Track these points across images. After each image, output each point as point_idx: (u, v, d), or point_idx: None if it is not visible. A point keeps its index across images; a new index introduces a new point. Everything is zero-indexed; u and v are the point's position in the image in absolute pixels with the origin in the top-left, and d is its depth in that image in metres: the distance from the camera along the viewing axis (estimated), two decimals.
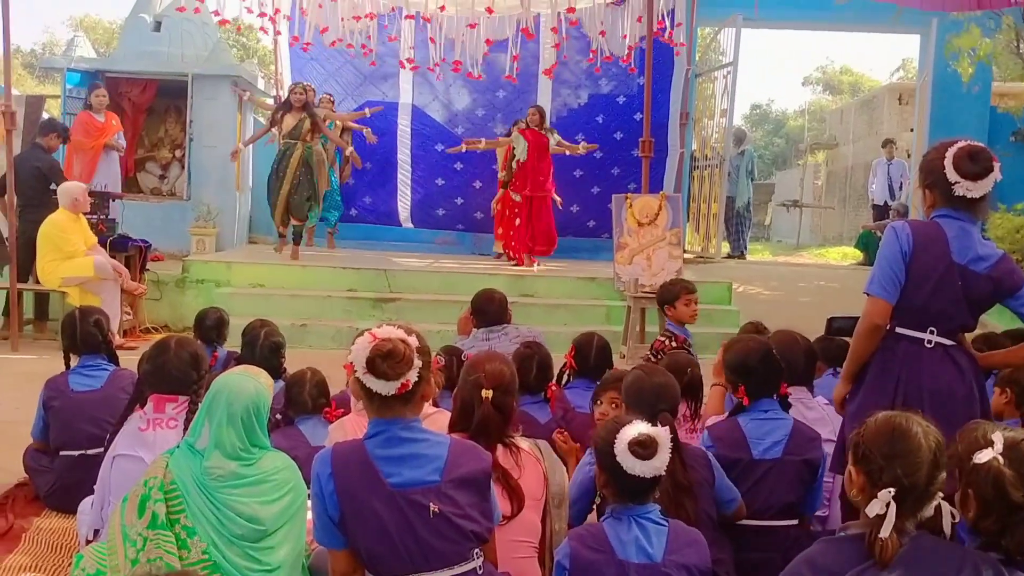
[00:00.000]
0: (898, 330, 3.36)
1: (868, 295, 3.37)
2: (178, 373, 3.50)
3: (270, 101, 11.52)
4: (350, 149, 10.62)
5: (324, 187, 10.16)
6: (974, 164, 3.25)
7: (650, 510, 2.67)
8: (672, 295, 5.51)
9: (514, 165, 10.07)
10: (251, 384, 2.92)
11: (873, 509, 2.22)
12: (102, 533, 3.28)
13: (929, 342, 3.31)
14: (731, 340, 3.95)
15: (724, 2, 11.61)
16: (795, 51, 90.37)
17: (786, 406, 3.62)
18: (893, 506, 2.19)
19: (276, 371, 4.54)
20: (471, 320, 5.31)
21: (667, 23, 9.58)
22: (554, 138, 10.13)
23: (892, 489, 2.20)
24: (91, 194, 8.29)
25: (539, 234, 10.07)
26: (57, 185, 8.04)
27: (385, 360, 2.51)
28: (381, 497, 2.51)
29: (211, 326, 5.32)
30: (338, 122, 10.86)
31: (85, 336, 4.49)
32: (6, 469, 4.72)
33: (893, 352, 3.36)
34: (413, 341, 2.58)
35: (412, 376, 2.54)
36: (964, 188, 3.26)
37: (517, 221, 10.14)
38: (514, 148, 10.07)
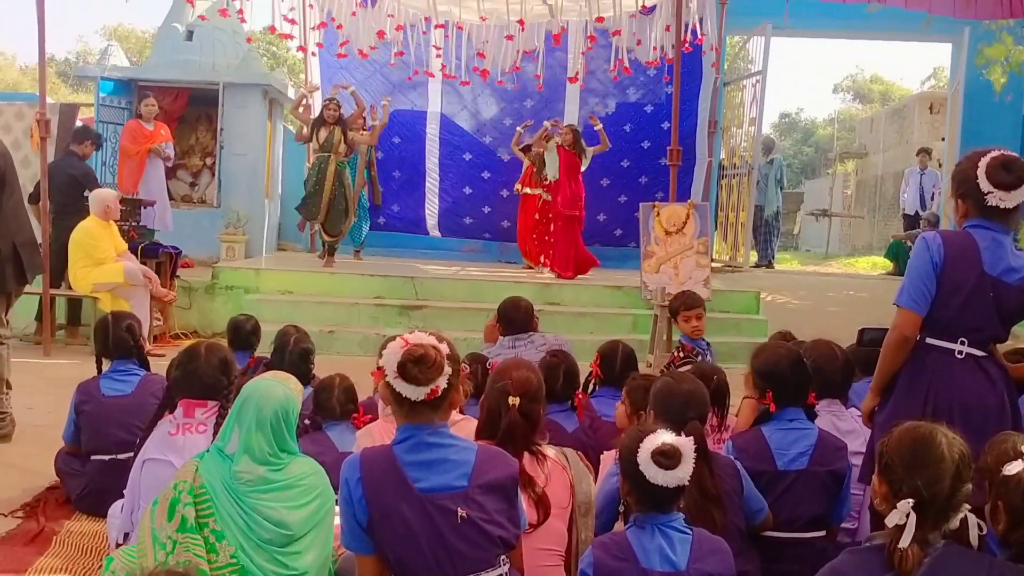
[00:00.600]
0: (928, 341, 3.33)
1: (898, 307, 3.34)
2: (208, 379, 3.54)
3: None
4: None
5: (354, 206, 10.24)
6: (1008, 174, 3.21)
7: (674, 518, 2.65)
8: (672, 310, 5.46)
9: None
10: (280, 389, 2.94)
11: (892, 519, 2.21)
12: (132, 536, 3.31)
13: (960, 353, 3.28)
14: (761, 346, 3.91)
15: (753, 11, 11.57)
16: (825, 59, 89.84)
17: (812, 416, 3.57)
18: (913, 516, 2.18)
19: (305, 377, 4.57)
20: (497, 328, 5.32)
21: (695, 33, 9.56)
22: (586, 162, 10.14)
23: (911, 500, 2.19)
24: (123, 201, 8.40)
25: (570, 259, 10.08)
26: (91, 192, 8.16)
27: (416, 365, 2.52)
28: (409, 502, 2.52)
29: (251, 331, 5.36)
30: (362, 146, 10.84)
31: (117, 341, 4.54)
32: (38, 472, 4.77)
33: (923, 363, 3.33)
34: (444, 348, 2.59)
35: (442, 383, 2.55)
36: (997, 198, 3.23)
37: (543, 223, 10.28)
38: (545, 159, 10.11)
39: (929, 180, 14.22)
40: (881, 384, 3.43)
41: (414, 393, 2.53)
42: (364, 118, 10.96)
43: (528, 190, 10.76)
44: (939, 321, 3.30)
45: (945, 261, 3.26)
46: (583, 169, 10.12)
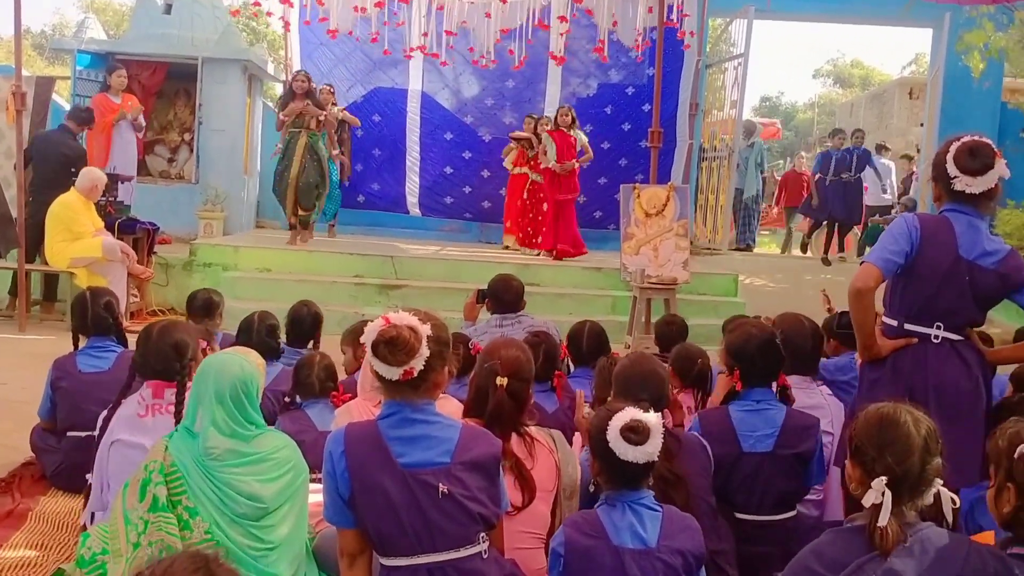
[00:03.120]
0: (906, 327, 3.37)
1: (862, 263, 3.40)
2: (157, 362, 3.46)
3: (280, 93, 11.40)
4: (336, 152, 10.61)
5: (327, 179, 10.13)
6: (973, 160, 3.27)
7: (644, 496, 2.67)
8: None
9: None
10: (237, 362, 2.93)
11: (869, 499, 2.23)
12: (100, 516, 3.29)
13: (936, 337, 3.32)
14: (735, 322, 3.89)
15: None
16: (806, 43, 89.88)
17: (786, 398, 3.55)
18: (888, 494, 2.20)
19: (275, 352, 4.63)
20: (481, 304, 5.30)
21: (676, 15, 9.56)
22: (580, 140, 10.12)
23: (884, 478, 2.22)
24: None
25: (565, 236, 10.11)
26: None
27: (387, 346, 2.53)
28: (391, 476, 2.53)
29: (200, 307, 5.29)
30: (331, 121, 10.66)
31: (95, 318, 4.50)
32: (13, 448, 4.75)
33: (903, 349, 3.37)
34: (425, 330, 2.57)
35: (416, 364, 2.54)
36: (963, 183, 3.29)
37: (545, 207, 10.35)
38: (546, 149, 10.10)
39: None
40: (864, 339, 3.46)
41: (388, 372, 2.54)
42: (332, 91, 10.85)
43: (517, 169, 10.78)
44: (914, 305, 3.35)
45: (921, 242, 3.31)
46: (583, 144, 10.12)
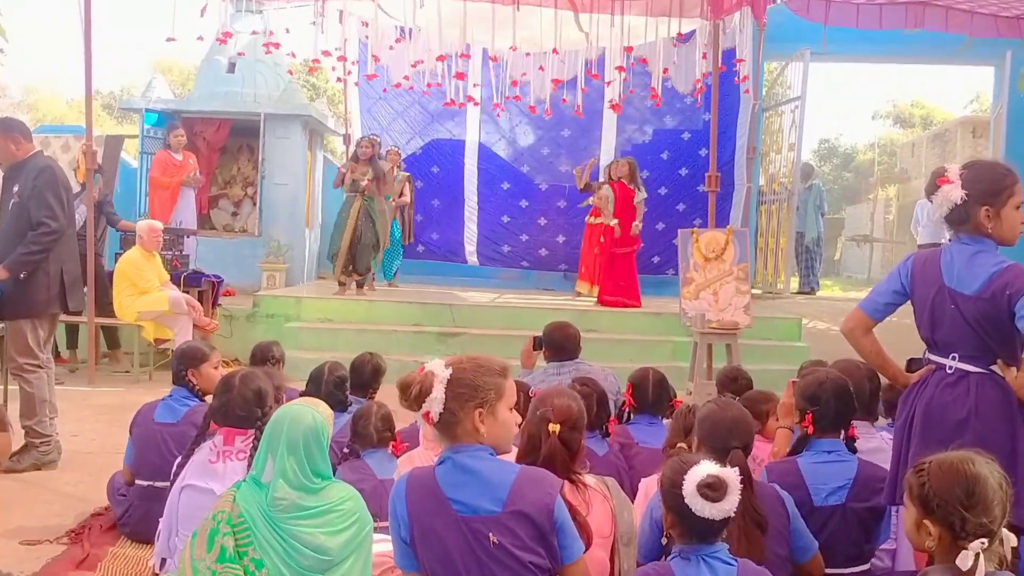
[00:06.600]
0: (928, 356, 3.31)
1: None
2: (242, 411, 3.57)
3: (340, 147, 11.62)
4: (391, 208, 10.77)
5: (385, 238, 10.28)
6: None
7: (718, 549, 2.60)
8: None
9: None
10: (309, 413, 2.95)
11: (966, 563, 2.18)
12: (169, 563, 3.34)
13: (950, 368, 3.20)
14: (807, 369, 3.85)
15: (791, 36, 11.52)
16: (864, 85, 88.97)
17: (853, 449, 3.47)
18: (982, 555, 2.17)
19: (343, 404, 4.66)
20: (539, 351, 5.29)
21: (732, 58, 9.56)
22: (640, 195, 10.09)
23: (984, 540, 2.18)
24: (165, 231, 8.53)
25: (615, 287, 10.06)
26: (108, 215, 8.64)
27: (402, 391, 2.58)
28: (447, 523, 2.53)
29: (267, 359, 5.34)
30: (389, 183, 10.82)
31: (175, 368, 4.57)
32: (84, 499, 4.83)
33: (924, 379, 3.29)
34: (444, 374, 2.57)
35: (432, 408, 2.55)
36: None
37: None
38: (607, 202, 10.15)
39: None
40: (883, 373, 3.54)
41: (417, 417, 2.57)
42: (399, 153, 11.11)
43: (594, 219, 10.84)
44: (923, 337, 3.31)
45: (912, 278, 3.29)
46: (637, 203, 10.06)
